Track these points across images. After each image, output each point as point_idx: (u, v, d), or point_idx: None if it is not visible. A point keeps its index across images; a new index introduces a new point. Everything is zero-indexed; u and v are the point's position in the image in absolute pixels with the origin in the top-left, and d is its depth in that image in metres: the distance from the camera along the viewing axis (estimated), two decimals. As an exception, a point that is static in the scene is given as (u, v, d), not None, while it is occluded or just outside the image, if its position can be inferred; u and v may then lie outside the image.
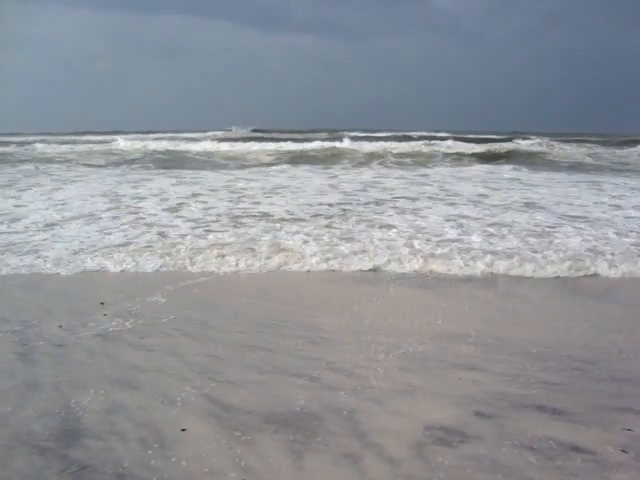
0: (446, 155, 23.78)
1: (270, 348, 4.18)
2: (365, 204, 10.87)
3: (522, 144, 28.66)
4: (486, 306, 5.31)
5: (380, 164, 20.94)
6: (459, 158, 22.98)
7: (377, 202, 11.12)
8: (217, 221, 9.14)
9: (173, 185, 13.95)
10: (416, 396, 3.41)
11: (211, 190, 12.96)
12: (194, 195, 12.06)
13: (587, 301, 5.54)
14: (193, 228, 8.60)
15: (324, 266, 6.58)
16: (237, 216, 9.54)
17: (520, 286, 6.03)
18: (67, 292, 5.72)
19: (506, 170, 18.32)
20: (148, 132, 44.14)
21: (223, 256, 6.87)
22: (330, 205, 10.67)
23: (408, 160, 21.91)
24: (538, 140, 30.45)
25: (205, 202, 11.15)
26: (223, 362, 3.92)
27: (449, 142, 27.97)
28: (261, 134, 38.84)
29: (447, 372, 3.78)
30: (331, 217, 9.43)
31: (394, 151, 24.17)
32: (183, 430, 3.02)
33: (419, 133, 39.13)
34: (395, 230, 8.31)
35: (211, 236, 7.99)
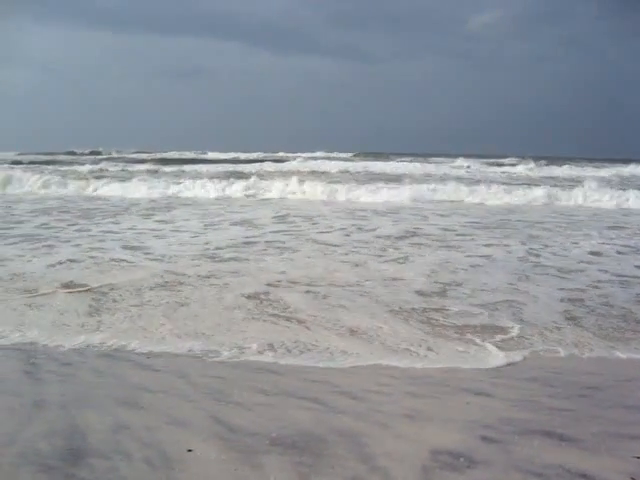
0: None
1: (276, 370, 4.17)
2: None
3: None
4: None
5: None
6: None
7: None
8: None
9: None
10: (423, 420, 3.40)
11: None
12: None
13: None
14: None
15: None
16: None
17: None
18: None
19: None
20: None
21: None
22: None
23: None
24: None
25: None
26: (229, 383, 3.92)
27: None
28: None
29: (454, 397, 3.76)
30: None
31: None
32: (189, 451, 3.01)
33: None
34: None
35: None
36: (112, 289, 6.36)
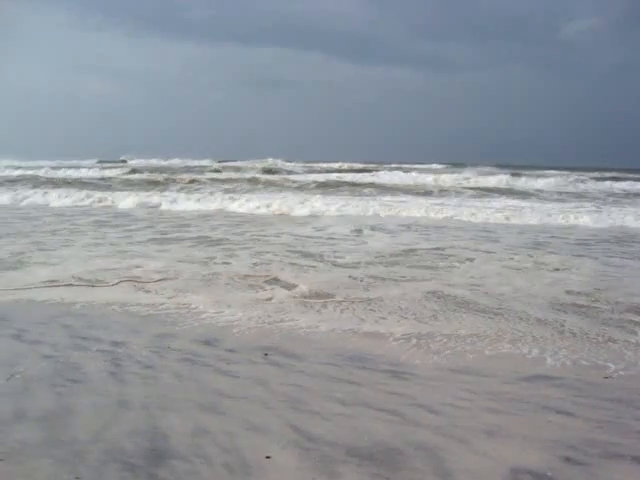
0: None
1: (355, 381, 4.17)
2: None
3: None
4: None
5: None
6: None
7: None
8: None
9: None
10: (502, 437, 3.32)
11: None
12: None
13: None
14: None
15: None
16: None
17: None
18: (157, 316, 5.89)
19: None
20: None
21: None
22: None
23: None
24: None
25: None
26: (308, 392, 3.95)
27: None
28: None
29: (535, 414, 3.66)
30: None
31: None
32: (267, 457, 3.06)
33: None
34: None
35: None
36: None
